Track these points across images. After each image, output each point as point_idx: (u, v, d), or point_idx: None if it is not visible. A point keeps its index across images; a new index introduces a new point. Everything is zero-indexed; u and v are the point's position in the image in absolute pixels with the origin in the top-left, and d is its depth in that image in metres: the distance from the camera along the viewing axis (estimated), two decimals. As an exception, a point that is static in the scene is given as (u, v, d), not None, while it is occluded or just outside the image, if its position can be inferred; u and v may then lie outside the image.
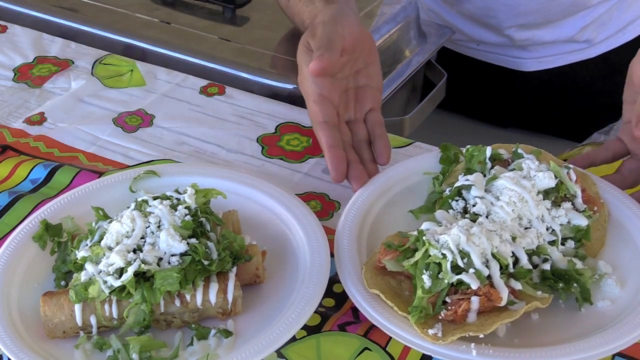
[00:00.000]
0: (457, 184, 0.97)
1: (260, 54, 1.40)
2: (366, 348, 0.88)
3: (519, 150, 1.01)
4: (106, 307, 0.87)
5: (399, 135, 1.22)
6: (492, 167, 1.00)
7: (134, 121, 1.24)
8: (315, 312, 0.89)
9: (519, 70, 1.66)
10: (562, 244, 0.93)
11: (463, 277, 0.83)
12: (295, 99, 1.33)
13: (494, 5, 1.56)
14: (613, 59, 1.63)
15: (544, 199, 0.95)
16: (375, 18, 1.50)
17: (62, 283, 0.94)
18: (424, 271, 0.85)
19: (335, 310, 0.92)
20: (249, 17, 1.49)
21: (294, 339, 0.88)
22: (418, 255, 0.86)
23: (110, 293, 0.86)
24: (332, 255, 0.94)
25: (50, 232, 0.98)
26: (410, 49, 1.52)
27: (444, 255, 0.84)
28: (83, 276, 0.87)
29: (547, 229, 0.93)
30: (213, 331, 0.87)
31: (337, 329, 0.90)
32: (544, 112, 1.72)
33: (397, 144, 1.18)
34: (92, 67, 1.37)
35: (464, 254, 0.85)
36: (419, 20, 1.54)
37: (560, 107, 1.70)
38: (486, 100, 1.76)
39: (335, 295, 0.92)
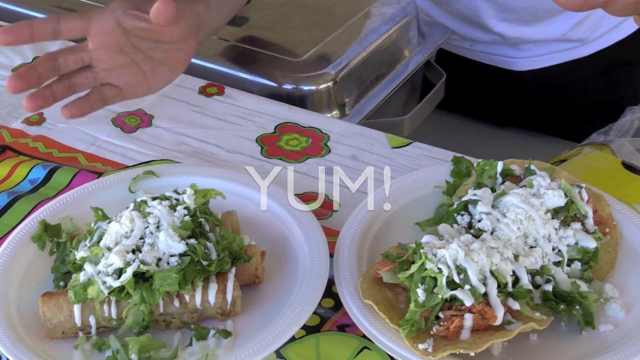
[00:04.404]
0: (464, 198, 0.96)
1: (260, 54, 1.40)
2: (365, 347, 0.88)
3: (532, 167, 1.00)
4: (105, 307, 0.87)
5: (398, 135, 1.22)
6: (502, 183, 0.99)
7: (133, 121, 1.24)
8: (315, 312, 0.89)
9: (513, 70, 1.67)
10: (569, 265, 0.92)
11: (457, 293, 0.82)
12: (295, 99, 1.34)
13: (480, 3, 1.56)
14: (607, 56, 1.63)
15: (552, 218, 0.93)
16: (375, 18, 1.50)
17: (61, 283, 0.94)
18: (419, 285, 0.84)
19: (335, 310, 0.92)
20: (248, 17, 1.49)
21: (293, 339, 0.88)
22: (414, 268, 0.86)
23: (109, 293, 0.86)
24: (331, 255, 0.94)
25: (49, 233, 0.98)
26: (409, 49, 1.52)
27: (440, 270, 0.84)
28: (82, 277, 0.87)
29: (554, 249, 0.91)
30: (212, 331, 0.87)
31: (336, 330, 0.90)
32: (541, 112, 1.72)
33: (396, 144, 1.18)
34: (91, 67, 1.37)
35: (460, 270, 0.84)
36: (419, 20, 1.55)
37: (557, 106, 1.70)
38: (484, 100, 1.76)
39: (334, 296, 0.92)
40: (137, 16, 1.02)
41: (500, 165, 1.00)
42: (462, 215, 0.96)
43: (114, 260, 0.86)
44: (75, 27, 1.02)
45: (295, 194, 1.03)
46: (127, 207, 0.94)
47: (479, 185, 0.99)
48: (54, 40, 1.01)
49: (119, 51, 1.04)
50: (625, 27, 1.63)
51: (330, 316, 0.92)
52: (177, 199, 0.94)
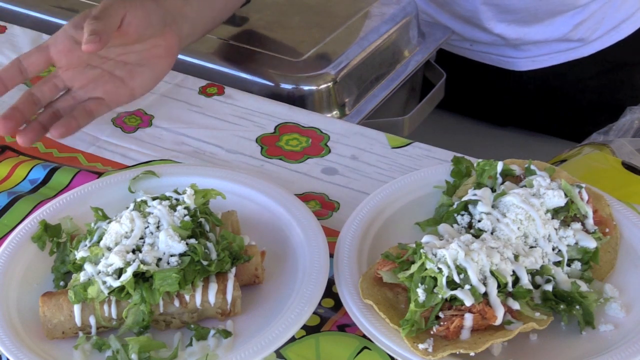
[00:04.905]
0: (464, 198, 0.96)
1: (260, 54, 1.40)
2: (365, 347, 0.88)
3: (532, 167, 1.00)
4: (105, 307, 0.87)
5: (398, 135, 1.22)
6: (502, 183, 0.99)
7: (133, 121, 1.24)
8: (315, 312, 0.89)
9: (514, 70, 1.67)
10: (569, 265, 0.91)
11: (457, 293, 0.82)
12: (295, 99, 1.34)
13: (480, 5, 1.56)
14: (608, 56, 1.64)
15: (552, 218, 0.93)
16: (375, 18, 1.50)
17: (61, 283, 0.94)
18: (419, 285, 0.84)
19: (335, 310, 0.92)
20: (248, 17, 1.49)
21: (293, 339, 0.88)
22: (414, 268, 0.85)
23: (109, 293, 0.86)
24: (331, 255, 0.94)
25: (49, 233, 0.98)
26: (409, 49, 1.52)
27: (440, 270, 0.84)
28: (82, 277, 0.87)
29: (554, 249, 0.91)
30: (212, 331, 0.87)
31: (336, 330, 0.90)
32: (541, 112, 1.72)
33: (396, 144, 1.18)
34: (91, 68, 1.37)
35: (460, 270, 0.83)
36: (419, 20, 1.55)
37: (557, 106, 1.70)
38: (484, 100, 1.76)
39: (334, 296, 0.92)
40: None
41: (500, 166, 1.00)
42: (462, 215, 0.96)
43: (114, 260, 0.86)
44: (36, 60, 1.06)
45: (295, 194, 1.03)
46: (127, 207, 0.94)
47: (479, 185, 0.99)
48: (25, 81, 1.07)
49: (87, 66, 1.07)
50: (625, 28, 1.64)
51: (330, 316, 0.92)
52: (177, 199, 0.94)
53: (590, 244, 0.92)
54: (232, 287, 0.88)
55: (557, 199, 0.94)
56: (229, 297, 0.88)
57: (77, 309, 0.87)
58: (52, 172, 1.12)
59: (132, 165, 1.15)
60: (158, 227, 0.90)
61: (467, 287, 0.83)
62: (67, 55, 1.06)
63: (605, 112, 1.58)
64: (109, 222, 0.93)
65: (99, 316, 0.87)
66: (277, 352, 0.87)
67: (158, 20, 1.11)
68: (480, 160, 1.02)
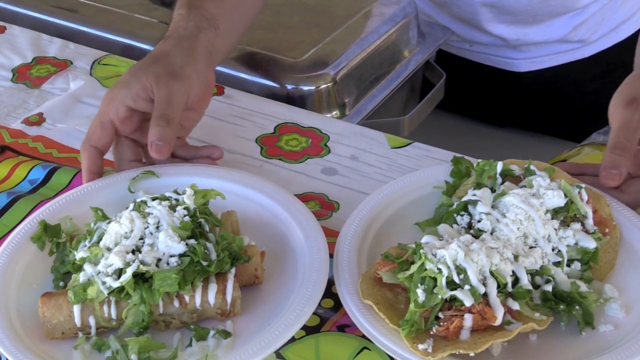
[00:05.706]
0: (464, 199, 0.96)
1: (260, 54, 1.40)
2: (365, 347, 0.88)
3: (531, 167, 1.00)
4: (105, 308, 0.87)
5: (397, 135, 1.22)
6: (502, 183, 0.98)
7: (132, 121, 1.24)
8: (314, 313, 0.89)
9: (513, 71, 1.67)
10: (568, 265, 0.91)
11: (457, 293, 0.82)
12: (294, 100, 1.34)
13: (479, 7, 1.57)
14: (607, 57, 1.64)
15: (552, 218, 0.93)
16: (375, 18, 1.50)
17: (61, 284, 0.94)
18: (419, 285, 0.84)
19: (335, 311, 0.92)
20: (248, 18, 1.49)
21: (292, 340, 0.88)
22: (413, 268, 0.85)
23: (109, 294, 0.86)
24: (331, 256, 0.94)
25: (48, 233, 0.98)
26: (409, 49, 1.52)
27: (440, 270, 0.83)
28: (82, 277, 0.87)
29: (553, 250, 0.91)
30: (212, 332, 0.87)
31: (336, 330, 0.90)
32: (541, 112, 1.72)
33: (395, 144, 1.18)
34: (91, 68, 1.37)
35: (460, 270, 0.83)
36: (418, 20, 1.55)
37: (557, 106, 1.70)
38: (483, 100, 1.76)
39: (334, 296, 0.92)
40: (148, 100, 1.04)
41: (499, 166, 1.00)
42: (462, 215, 0.96)
43: (114, 260, 0.86)
44: (108, 139, 1.06)
45: (294, 194, 1.03)
46: (127, 208, 0.94)
47: (478, 186, 0.99)
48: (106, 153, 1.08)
49: (145, 120, 1.06)
50: (625, 29, 1.64)
51: (330, 316, 0.92)
52: (177, 199, 0.94)
53: (590, 244, 0.92)
54: (231, 288, 0.88)
55: (556, 199, 0.93)
56: (229, 298, 0.88)
57: (76, 309, 0.87)
58: (51, 172, 1.12)
59: (132, 166, 1.15)
60: (158, 228, 0.90)
61: (466, 287, 0.83)
62: (130, 124, 1.06)
63: (605, 112, 1.58)
64: (108, 223, 0.93)
65: (99, 317, 0.87)
66: (277, 353, 0.87)
67: (206, 62, 1.11)
68: (479, 160, 1.02)
